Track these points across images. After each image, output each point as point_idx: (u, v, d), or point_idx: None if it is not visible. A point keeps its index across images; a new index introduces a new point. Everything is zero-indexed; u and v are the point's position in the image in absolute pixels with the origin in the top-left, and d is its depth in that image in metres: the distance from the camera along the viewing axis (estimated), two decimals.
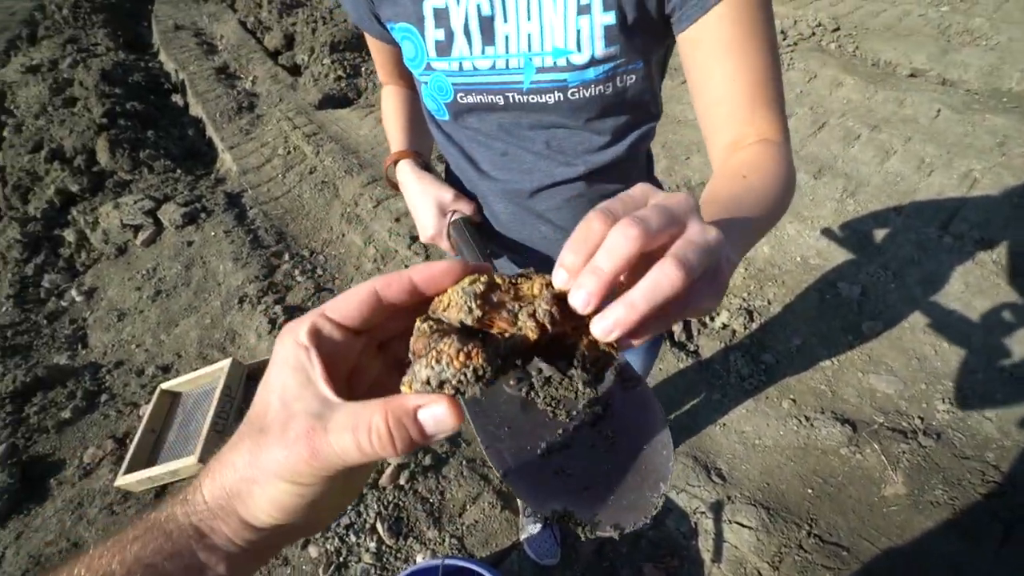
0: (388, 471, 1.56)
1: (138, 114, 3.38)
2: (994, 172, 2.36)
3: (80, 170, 2.98)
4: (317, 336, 0.27)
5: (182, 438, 1.76)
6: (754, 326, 1.89)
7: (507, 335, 0.27)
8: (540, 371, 0.58)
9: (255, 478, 0.25)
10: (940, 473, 1.41)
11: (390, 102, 0.82)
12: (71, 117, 3.19)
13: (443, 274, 0.29)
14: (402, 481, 1.53)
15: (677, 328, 1.87)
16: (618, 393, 0.55)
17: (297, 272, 2.45)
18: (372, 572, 1.39)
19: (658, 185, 0.82)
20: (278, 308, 2.24)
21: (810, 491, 1.41)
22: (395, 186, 0.78)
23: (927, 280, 1.97)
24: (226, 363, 1.85)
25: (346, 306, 0.28)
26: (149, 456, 1.73)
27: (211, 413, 1.69)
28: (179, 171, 3.12)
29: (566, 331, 0.29)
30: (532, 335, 0.27)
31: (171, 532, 0.26)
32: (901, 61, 3.28)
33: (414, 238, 2.48)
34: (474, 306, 0.27)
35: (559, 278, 0.26)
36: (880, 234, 2.19)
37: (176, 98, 4.01)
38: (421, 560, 1.40)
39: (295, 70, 4.11)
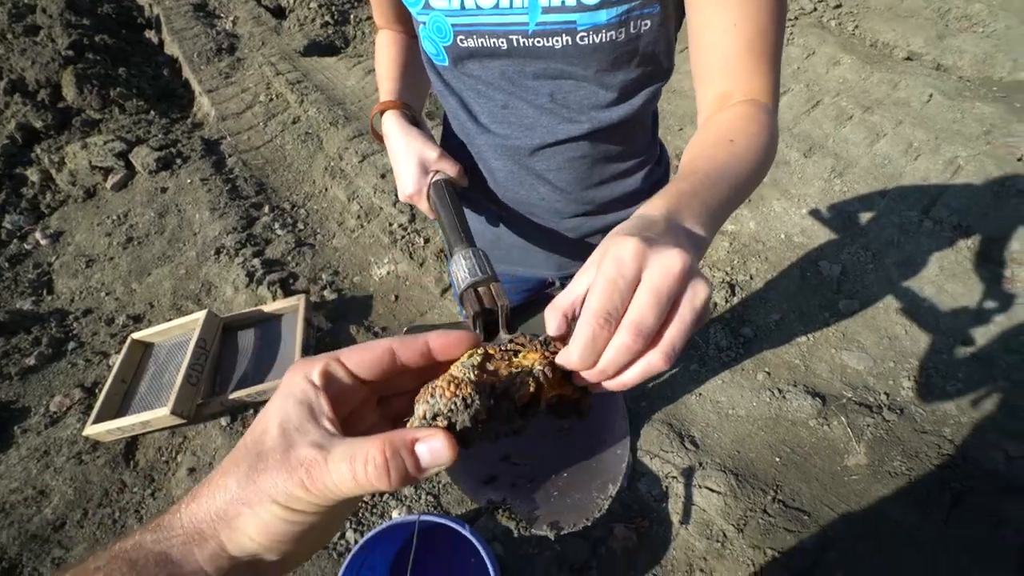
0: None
1: (108, 48, 3.18)
2: (978, 160, 2.38)
3: (44, 105, 2.81)
4: (327, 378, 0.29)
5: (154, 389, 1.73)
6: (735, 300, 1.91)
7: (501, 380, 0.32)
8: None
9: (249, 500, 0.26)
10: (900, 446, 1.47)
11: (384, 47, 0.77)
12: (33, 47, 2.98)
13: (458, 344, 0.32)
14: None
15: None
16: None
17: (277, 225, 2.38)
18: (347, 528, 1.41)
19: (661, 150, 0.79)
20: (256, 261, 2.18)
21: (778, 459, 1.46)
22: (380, 137, 0.74)
23: (905, 262, 2.01)
24: (201, 314, 1.81)
25: (360, 358, 0.30)
26: (120, 406, 1.70)
27: (185, 364, 1.66)
28: (153, 113, 2.97)
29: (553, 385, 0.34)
30: (530, 388, 0.32)
31: (135, 561, 0.25)
32: (899, 43, 3.26)
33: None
34: (473, 376, 0.30)
35: (572, 368, 0.32)
36: (864, 215, 2.21)
37: (150, 34, 3.78)
38: (397, 516, 1.42)
39: (279, 12, 3.90)
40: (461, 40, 0.60)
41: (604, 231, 0.76)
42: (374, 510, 1.45)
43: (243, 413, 1.70)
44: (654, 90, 0.66)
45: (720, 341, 1.76)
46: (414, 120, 0.71)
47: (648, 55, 0.60)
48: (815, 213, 2.21)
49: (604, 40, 0.55)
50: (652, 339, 0.29)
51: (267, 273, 2.13)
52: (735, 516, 1.34)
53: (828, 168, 2.38)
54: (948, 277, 1.94)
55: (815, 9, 3.57)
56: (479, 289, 0.52)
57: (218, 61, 3.39)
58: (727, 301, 1.90)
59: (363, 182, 2.51)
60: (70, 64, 2.92)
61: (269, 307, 1.94)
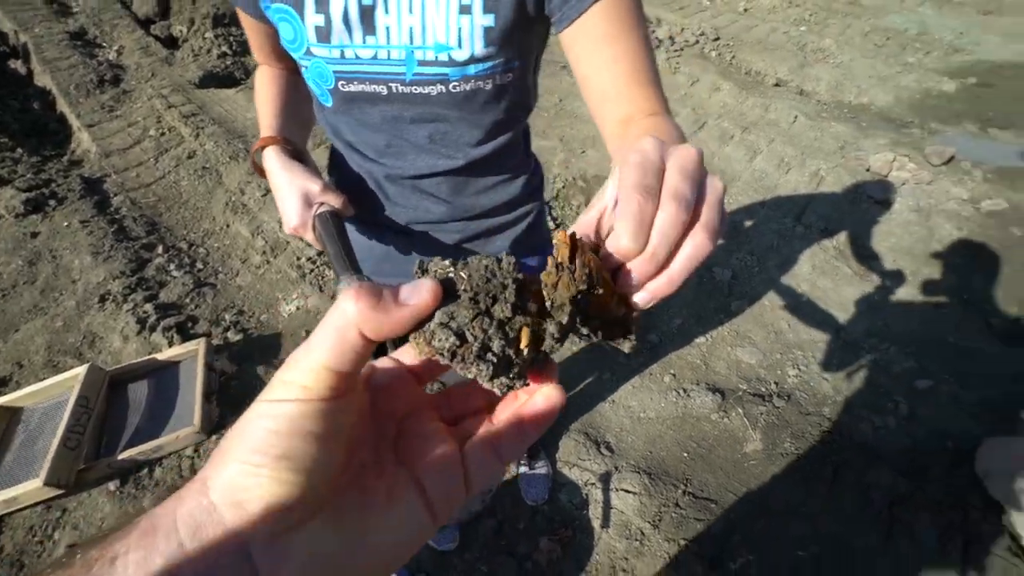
0: None
1: None
2: (836, 172, 2.73)
3: None
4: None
5: (23, 460, 1.53)
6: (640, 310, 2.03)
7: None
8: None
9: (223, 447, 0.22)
10: (789, 429, 1.61)
11: (264, 85, 0.77)
12: None
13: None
14: None
15: None
16: None
17: (172, 266, 2.22)
18: None
19: (535, 162, 0.84)
20: (149, 306, 2.02)
21: (686, 454, 1.55)
22: (262, 172, 0.73)
23: (784, 264, 2.24)
24: (82, 370, 1.64)
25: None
26: None
27: (62, 427, 1.49)
28: (20, 150, 2.69)
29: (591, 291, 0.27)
30: (574, 288, 0.25)
31: None
32: (768, 71, 3.68)
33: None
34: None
35: (624, 253, 0.27)
36: (748, 224, 2.45)
37: (16, 64, 3.44)
38: None
39: (171, 42, 3.71)
40: (343, 85, 0.63)
41: (488, 233, 0.81)
42: None
43: (135, 474, 1.55)
44: (523, 123, 0.75)
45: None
46: (296, 154, 0.72)
47: (513, 100, 0.68)
48: None
49: (474, 88, 0.62)
50: (693, 215, 0.27)
51: (161, 318, 1.97)
52: (650, 513, 1.41)
53: None
54: (819, 274, 2.19)
55: (697, 42, 3.96)
56: None
57: (100, 93, 3.15)
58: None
59: (268, 216, 2.42)
60: None
61: (164, 355, 1.79)
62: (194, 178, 2.65)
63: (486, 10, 0.56)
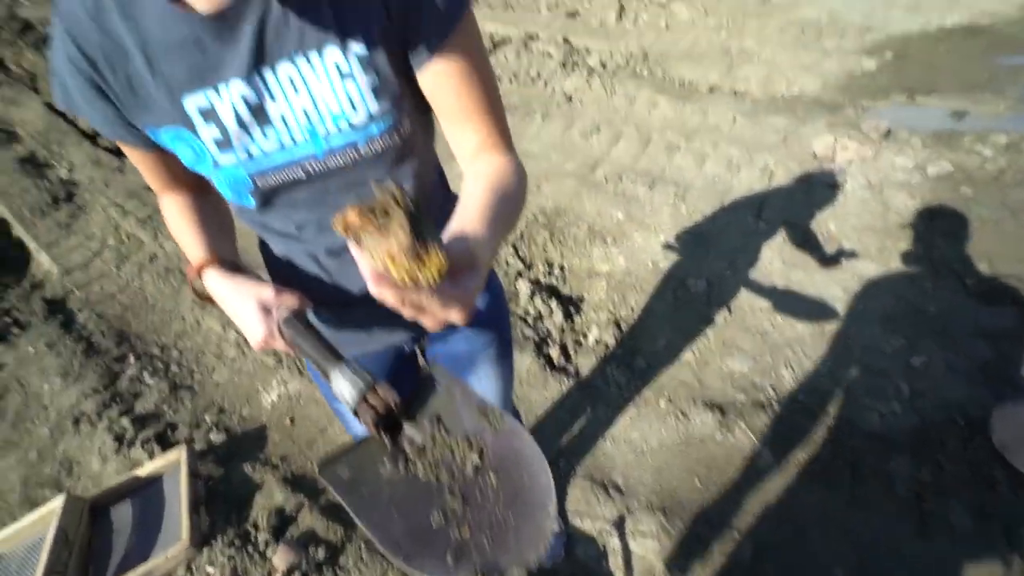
0: None
1: None
2: (784, 163, 2.80)
3: None
4: None
5: None
6: (623, 335, 2.02)
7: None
8: (412, 441, 0.58)
9: None
10: (796, 433, 1.59)
11: (176, 214, 0.74)
12: None
13: None
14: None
15: (555, 353, 1.94)
16: (488, 435, 0.58)
17: (146, 374, 2.16)
18: None
19: (447, 190, 0.86)
20: (125, 420, 1.94)
21: (697, 482, 1.51)
22: (206, 298, 0.71)
23: (754, 263, 2.26)
24: (57, 502, 1.55)
25: None
26: None
27: (41, 569, 1.40)
28: None
29: None
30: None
31: None
32: (700, 80, 3.82)
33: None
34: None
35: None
36: (711, 229, 2.48)
37: None
38: None
39: (120, 151, 3.73)
40: (260, 182, 0.62)
41: None
42: None
43: None
44: (437, 161, 0.78)
45: (618, 378, 1.83)
46: (236, 268, 0.70)
47: (424, 143, 0.70)
48: (671, 237, 2.45)
49: (385, 146, 0.63)
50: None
51: (139, 431, 1.90)
52: (673, 554, 1.35)
53: (671, 195, 2.66)
54: (790, 267, 2.21)
55: (628, 63, 4.11)
56: (368, 398, 0.56)
57: (55, 212, 3.13)
58: (616, 338, 2.00)
59: None
60: None
61: (145, 469, 1.72)
62: (159, 281, 2.62)
63: (365, 71, 0.57)
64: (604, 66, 4.06)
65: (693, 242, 2.40)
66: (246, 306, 0.65)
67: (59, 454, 1.92)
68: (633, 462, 1.60)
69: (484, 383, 0.98)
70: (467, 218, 0.54)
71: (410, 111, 0.64)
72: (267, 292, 0.65)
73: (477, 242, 0.49)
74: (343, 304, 0.80)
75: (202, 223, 0.73)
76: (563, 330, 2.04)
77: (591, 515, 1.47)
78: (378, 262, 0.39)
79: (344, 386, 0.57)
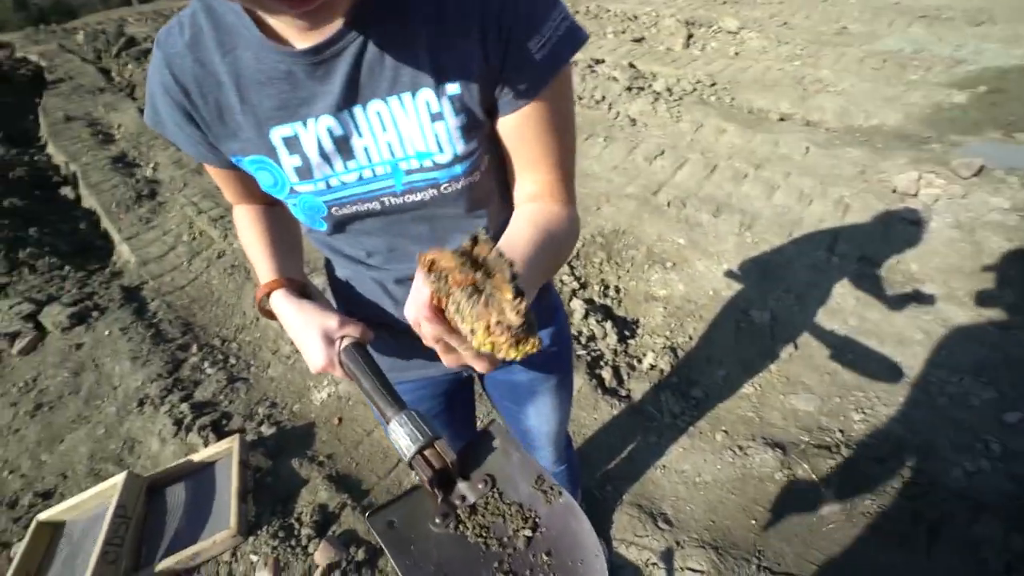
0: (317, 574, 1.39)
1: (17, 211, 3.11)
2: (861, 196, 2.66)
3: None
4: None
5: None
6: (679, 363, 1.94)
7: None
8: (464, 498, 0.58)
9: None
10: (865, 482, 1.46)
11: (247, 226, 0.75)
12: None
13: None
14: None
15: (607, 375, 1.88)
16: (543, 508, 0.55)
17: (207, 364, 2.26)
18: None
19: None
20: (185, 406, 2.03)
21: (753, 522, 1.41)
22: (270, 316, 0.72)
23: (824, 299, 2.14)
24: (119, 478, 1.62)
25: None
26: None
27: (101, 540, 1.46)
28: (67, 268, 2.86)
29: None
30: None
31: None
32: (771, 108, 3.72)
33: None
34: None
35: None
36: (779, 261, 2.37)
37: (67, 191, 3.74)
38: None
39: None
40: (335, 211, 0.62)
41: None
42: None
43: None
44: (512, 202, 0.74)
45: (673, 407, 1.75)
46: (302, 291, 0.70)
47: (503, 182, 0.67)
48: (735, 266, 2.35)
49: (466, 185, 0.61)
50: None
51: (197, 417, 1.98)
52: None
53: (737, 223, 2.57)
54: (864, 307, 2.07)
55: (695, 89, 4.05)
56: (425, 453, 0.55)
57: (138, 208, 3.38)
58: (672, 366, 1.92)
59: None
60: None
61: (200, 455, 1.77)
62: (224, 276, 2.75)
63: (456, 112, 0.55)
64: (670, 91, 4.03)
65: (758, 273, 2.29)
66: (309, 333, 0.64)
67: (123, 433, 2.02)
68: (684, 494, 1.51)
69: (543, 413, 0.96)
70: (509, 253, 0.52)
71: (493, 150, 0.63)
72: (331, 321, 0.65)
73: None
74: (406, 331, 0.78)
75: (272, 239, 0.73)
76: (616, 352, 1.98)
77: (637, 544, 1.39)
78: (467, 326, 0.37)
79: (402, 437, 0.56)
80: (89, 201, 3.48)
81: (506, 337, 0.35)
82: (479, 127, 0.58)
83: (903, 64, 4.08)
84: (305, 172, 0.58)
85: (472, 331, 0.36)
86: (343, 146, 0.56)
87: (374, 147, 0.56)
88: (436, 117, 0.55)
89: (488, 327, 0.35)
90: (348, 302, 0.79)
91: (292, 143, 0.56)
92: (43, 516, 1.63)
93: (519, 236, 0.56)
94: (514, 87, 0.55)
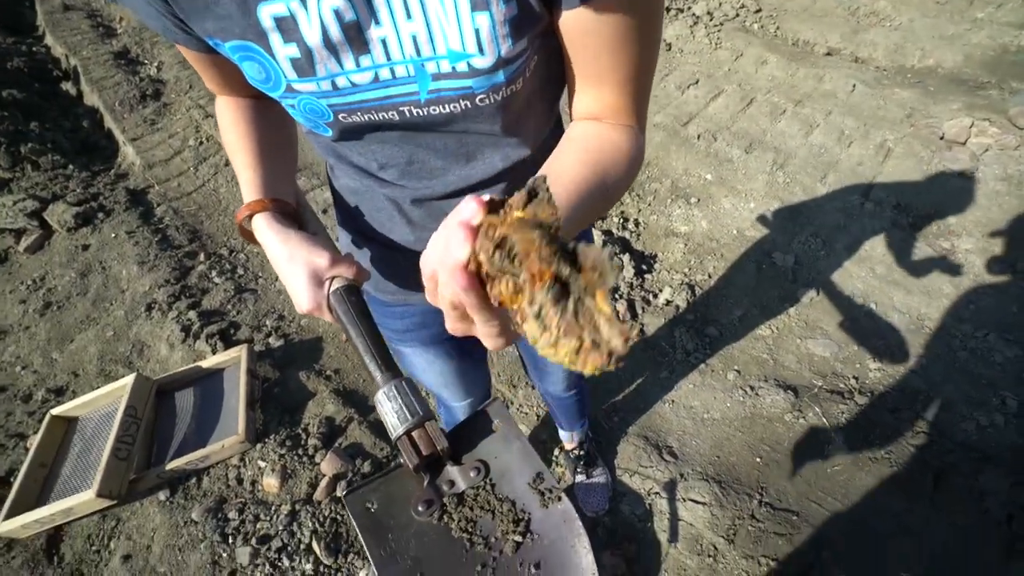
0: (323, 483, 1.42)
1: (18, 103, 2.97)
2: (905, 142, 2.48)
3: None
4: None
5: (80, 470, 1.54)
6: (696, 300, 1.88)
7: None
8: (452, 484, 0.51)
9: None
10: (876, 429, 1.44)
11: (230, 124, 0.63)
12: None
13: None
14: (339, 492, 1.40)
15: (622, 308, 1.84)
16: (537, 511, 0.49)
17: (214, 273, 2.23)
18: None
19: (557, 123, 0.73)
20: (192, 314, 2.02)
21: (759, 460, 1.41)
22: (252, 239, 0.61)
23: (853, 246, 2.04)
24: (129, 379, 1.64)
25: None
26: (39, 495, 1.50)
27: (112, 437, 1.49)
28: (71, 167, 2.77)
29: None
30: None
31: None
32: (818, 40, 3.42)
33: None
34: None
35: None
36: (809, 204, 2.25)
37: (67, 86, 3.57)
38: None
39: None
40: (344, 117, 0.51)
41: None
42: (338, 574, 1.31)
43: (184, 483, 1.53)
44: (562, 99, 0.61)
45: (686, 344, 1.72)
46: (291, 214, 0.61)
47: (554, 80, 0.56)
48: (763, 206, 2.24)
49: (507, 95, 0.49)
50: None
51: (205, 325, 1.97)
52: (723, 527, 1.28)
53: (769, 162, 2.42)
54: (895, 255, 1.98)
55: (737, 15, 3.72)
56: (413, 434, 0.49)
57: (142, 108, 3.23)
58: (688, 302, 1.87)
59: None
60: None
61: (208, 362, 1.78)
62: (232, 185, 2.67)
63: (506, 0, 0.42)
64: (711, 15, 3.70)
65: (787, 215, 2.18)
66: (296, 271, 0.56)
67: (132, 336, 2.03)
68: (691, 429, 1.51)
69: (560, 368, 0.91)
70: (557, 193, 0.42)
71: (547, 55, 0.50)
72: (321, 259, 0.56)
73: None
74: (412, 251, 0.68)
75: (258, 144, 0.62)
76: (632, 286, 1.93)
77: (640, 474, 1.40)
78: (543, 333, 0.28)
79: (389, 413, 0.50)
80: (91, 98, 3.33)
81: (602, 362, 0.27)
82: (533, 22, 0.44)
83: None
84: (305, 66, 0.45)
85: (554, 344, 0.28)
86: (354, 35, 0.44)
87: (394, 39, 0.44)
88: (479, 4, 0.41)
89: (580, 346, 0.27)
90: (354, 219, 0.70)
91: (287, 26, 0.43)
92: (57, 411, 1.66)
93: (567, 172, 0.46)
94: None
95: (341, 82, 0.46)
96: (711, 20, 3.66)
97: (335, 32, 0.43)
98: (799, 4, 3.84)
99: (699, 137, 2.61)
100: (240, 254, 2.34)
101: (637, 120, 0.52)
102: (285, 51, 0.44)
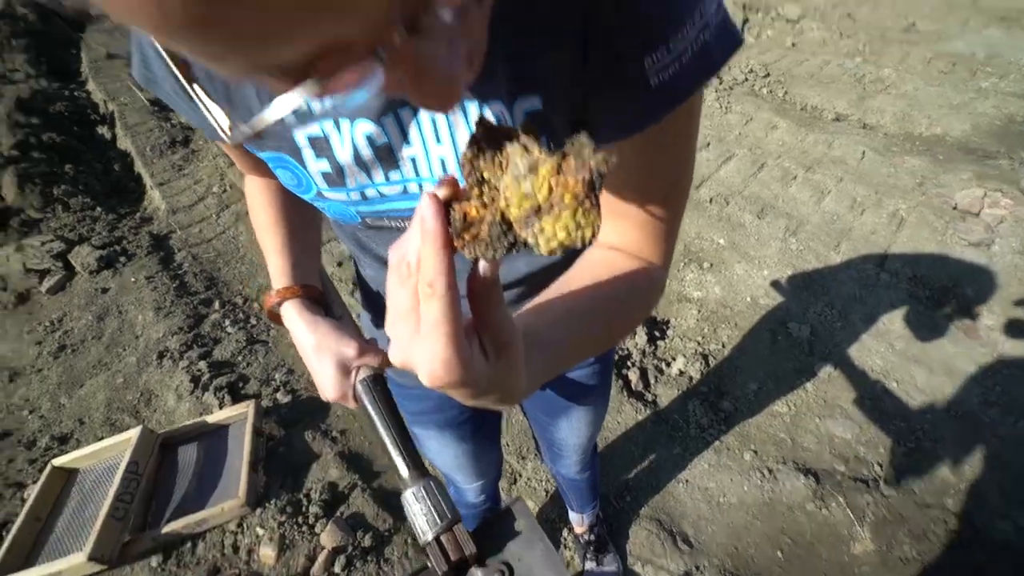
0: (321, 557, 1.37)
1: (55, 146, 3.10)
2: (918, 211, 2.49)
3: None
4: None
5: (74, 527, 1.50)
6: (710, 371, 1.85)
7: None
8: None
9: None
10: (905, 525, 1.37)
11: (260, 205, 0.64)
12: None
13: None
14: (337, 568, 1.35)
15: (634, 377, 1.81)
16: None
17: (228, 322, 2.24)
18: None
19: None
20: (203, 364, 2.02)
21: (780, 554, 1.34)
22: (279, 321, 0.63)
23: (870, 318, 2.01)
24: (134, 432, 1.62)
25: None
26: (30, 551, 1.46)
27: (111, 495, 1.45)
28: (99, 209, 2.85)
29: None
30: None
31: None
32: (826, 106, 3.50)
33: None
34: None
35: None
36: (823, 272, 2.24)
37: (103, 130, 3.73)
38: None
39: None
40: (371, 222, 0.52)
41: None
42: None
43: (178, 548, 1.49)
44: None
45: (700, 419, 1.67)
46: (319, 299, 0.62)
47: None
48: (777, 273, 2.23)
49: None
50: None
51: (214, 377, 1.96)
52: None
53: (782, 228, 2.43)
54: (914, 330, 1.94)
55: (746, 79, 3.84)
56: (442, 538, 0.50)
57: (171, 154, 3.35)
58: (702, 373, 1.83)
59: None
60: (12, 163, 2.82)
61: (214, 417, 1.76)
62: (251, 233, 2.72)
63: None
64: (720, 79, 3.82)
65: (801, 283, 2.17)
66: (323, 360, 0.57)
67: (141, 384, 2.02)
68: (706, 514, 1.45)
69: (575, 427, 0.90)
70: (547, 315, 0.42)
71: None
72: (349, 349, 0.57)
73: (537, 354, 0.37)
74: None
75: (288, 228, 0.63)
76: (645, 353, 1.90)
77: (653, 563, 1.34)
78: (510, 193, 0.26)
79: (419, 517, 0.50)
80: (124, 142, 3.46)
81: (575, 187, 0.24)
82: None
83: (974, 69, 3.80)
84: (336, 179, 0.47)
85: (507, 200, 0.26)
86: (385, 155, 0.45)
87: (423, 159, 0.45)
88: None
89: (556, 173, 0.24)
90: (375, 304, 0.71)
91: (320, 145, 0.44)
92: (58, 462, 1.64)
93: (563, 301, 0.44)
94: (611, 113, 0.41)
95: (370, 193, 0.48)
96: (720, 84, 3.77)
97: (366, 153, 0.44)
98: (806, 70, 3.96)
99: (711, 201, 2.64)
100: (254, 303, 2.35)
101: (661, 256, 0.50)
102: (317, 166, 0.46)
